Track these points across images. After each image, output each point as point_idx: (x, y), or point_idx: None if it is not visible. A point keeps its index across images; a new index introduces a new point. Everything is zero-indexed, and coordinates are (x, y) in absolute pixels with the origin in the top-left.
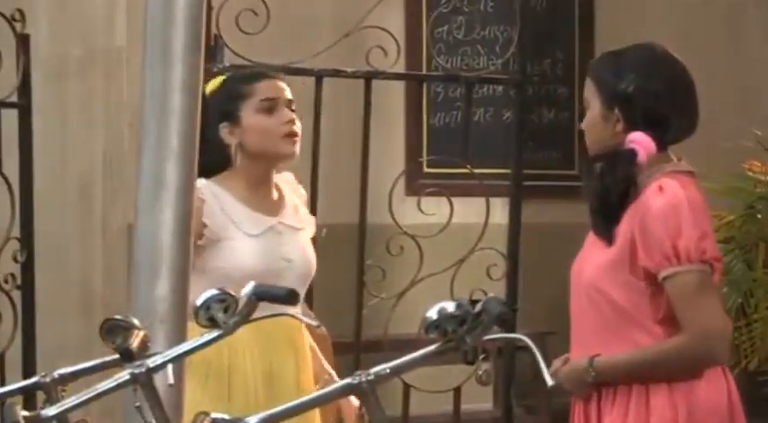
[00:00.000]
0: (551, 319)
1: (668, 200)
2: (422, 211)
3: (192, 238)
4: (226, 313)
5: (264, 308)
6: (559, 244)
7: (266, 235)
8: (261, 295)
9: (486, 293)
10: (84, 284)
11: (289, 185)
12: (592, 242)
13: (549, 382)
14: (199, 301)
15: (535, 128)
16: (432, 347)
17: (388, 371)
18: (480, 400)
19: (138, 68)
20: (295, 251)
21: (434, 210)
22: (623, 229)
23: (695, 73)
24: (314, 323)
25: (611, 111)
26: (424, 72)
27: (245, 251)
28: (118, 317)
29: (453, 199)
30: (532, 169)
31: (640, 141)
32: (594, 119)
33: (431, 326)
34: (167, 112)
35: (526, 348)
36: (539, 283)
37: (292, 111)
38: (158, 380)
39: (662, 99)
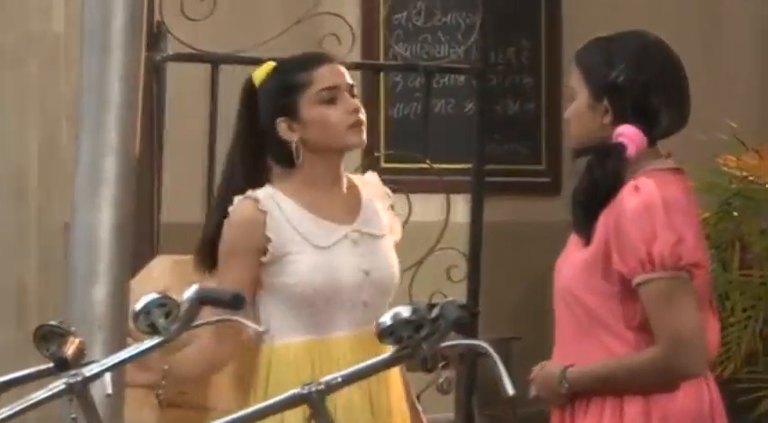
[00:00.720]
0: (515, 323)
1: (643, 201)
2: None
3: (251, 255)
4: (167, 319)
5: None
6: (524, 244)
7: (338, 246)
8: (204, 299)
9: (446, 296)
10: (18, 287)
11: (369, 187)
12: (573, 241)
13: (510, 391)
14: (138, 306)
15: (499, 120)
16: (386, 355)
17: (339, 380)
18: (441, 409)
19: (78, 56)
20: (372, 261)
21: None
22: (599, 229)
23: None
24: (261, 329)
25: (599, 101)
26: (381, 61)
27: (315, 266)
28: (53, 323)
29: (412, 196)
30: (496, 164)
31: (630, 135)
32: (581, 109)
33: (385, 332)
34: (106, 104)
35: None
36: (502, 286)
37: (354, 96)
38: (96, 390)
39: (653, 90)
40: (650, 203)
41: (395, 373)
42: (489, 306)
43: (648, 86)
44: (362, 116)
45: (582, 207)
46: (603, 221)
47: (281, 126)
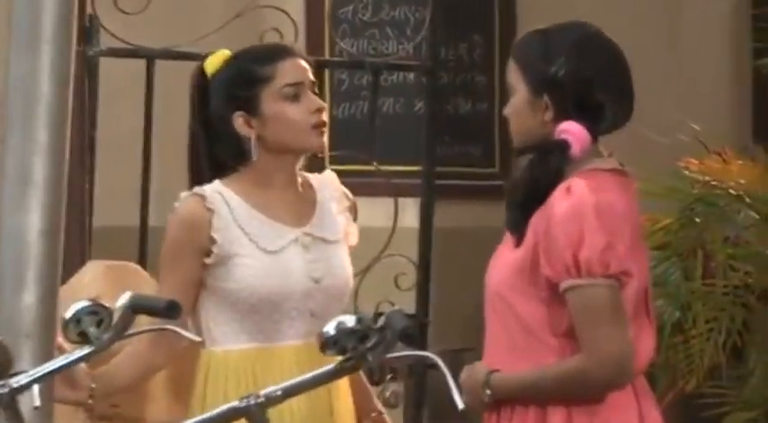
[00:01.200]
0: (467, 333)
1: (572, 203)
2: None
3: (195, 257)
4: (99, 328)
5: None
6: (477, 250)
7: (287, 250)
8: (137, 307)
9: (393, 305)
10: None
11: (326, 188)
12: (506, 240)
13: (461, 404)
14: (68, 314)
15: (450, 120)
16: (329, 366)
17: (279, 393)
18: None
19: (4, 52)
20: (323, 268)
21: None
22: (529, 232)
23: (628, 60)
24: (197, 339)
25: (538, 97)
26: (326, 57)
27: (261, 270)
28: None
29: (358, 199)
30: (447, 166)
31: (574, 132)
32: (520, 106)
33: (329, 342)
34: (35, 101)
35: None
36: (453, 294)
37: (316, 94)
38: (24, 402)
39: (596, 85)
40: (580, 206)
41: (343, 382)
42: (440, 316)
43: (591, 81)
44: (325, 117)
45: (518, 206)
46: (534, 223)
47: (238, 121)
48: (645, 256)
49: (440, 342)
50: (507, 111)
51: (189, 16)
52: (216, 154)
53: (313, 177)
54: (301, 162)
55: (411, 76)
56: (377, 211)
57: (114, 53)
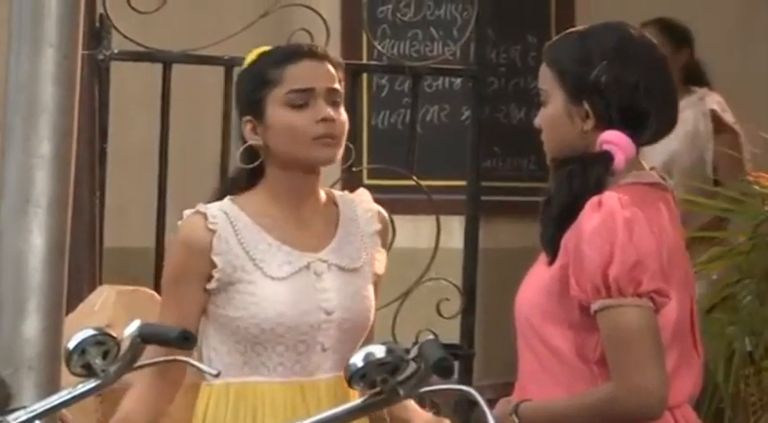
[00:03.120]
0: (516, 365)
1: (602, 218)
2: None
3: (195, 281)
4: (105, 359)
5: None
6: (527, 273)
7: (297, 277)
8: (147, 337)
9: (435, 335)
10: None
11: (354, 207)
12: (533, 269)
13: None
14: (71, 344)
15: (500, 130)
16: (357, 401)
17: None
18: None
19: (3, 56)
20: (337, 299)
21: None
22: (561, 251)
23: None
24: (212, 371)
25: (577, 105)
26: (364, 61)
27: (265, 299)
28: None
29: (397, 217)
30: (495, 181)
31: (618, 142)
32: (556, 115)
33: (356, 375)
34: (37, 110)
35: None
36: (501, 322)
37: (334, 103)
38: None
39: (641, 90)
40: (610, 221)
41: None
42: (486, 346)
43: (636, 86)
44: (335, 129)
45: (552, 221)
46: (565, 241)
47: (246, 126)
48: (689, 278)
49: (486, 375)
50: (540, 120)
51: (209, 16)
52: (239, 167)
53: (340, 196)
54: (320, 178)
55: (458, 81)
56: (418, 230)
57: (127, 57)
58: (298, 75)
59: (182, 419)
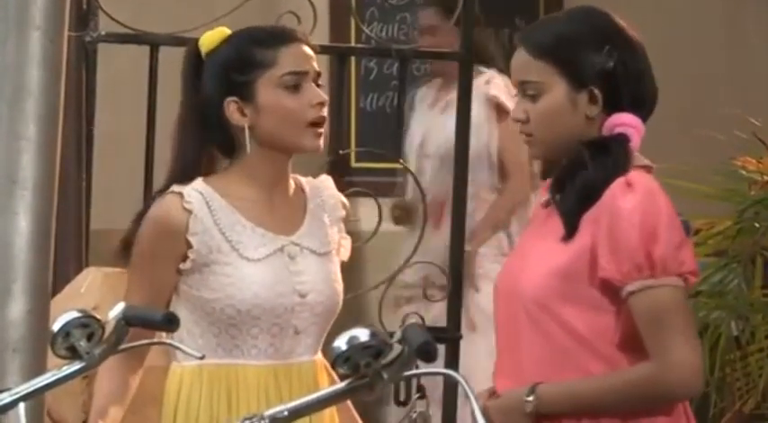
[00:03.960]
0: None
1: (643, 198)
2: None
3: (168, 262)
4: (90, 341)
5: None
6: None
7: (272, 259)
8: (132, 319)
9: (422, 318)
10: None
11: (320, 193)
12: (529, 247)
13: None
14: (56, 326)
15: None
16: (341, 384)
17: (285, 413)
18: None
19: None
20: (311, 282)
21: (361, 214)
22: (581, 234)
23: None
24: (196, 354)
25: (581, 91)
26: (352, 44)
27: (241, 281)
28: None
29: (384, 200)
30: None
31: (631, 123)
32: (557, 105)
33: (339, 358)
34: (22, 92)
35: None
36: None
37: (319, 85)
38: (9, 421)
39: (643, 71)
40: (651, 200)
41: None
42: None
43: (639, 67)
44: (325, 112)
45: (580, 202)
46: (589, 224)
47: (230, 107)
48: None
49: None
50: (532, 113)
51: None
52: (205, 145)
53: (306, 181)
54: (291, 163)
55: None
56: None
57: (114, 39)
58: (291, 57)
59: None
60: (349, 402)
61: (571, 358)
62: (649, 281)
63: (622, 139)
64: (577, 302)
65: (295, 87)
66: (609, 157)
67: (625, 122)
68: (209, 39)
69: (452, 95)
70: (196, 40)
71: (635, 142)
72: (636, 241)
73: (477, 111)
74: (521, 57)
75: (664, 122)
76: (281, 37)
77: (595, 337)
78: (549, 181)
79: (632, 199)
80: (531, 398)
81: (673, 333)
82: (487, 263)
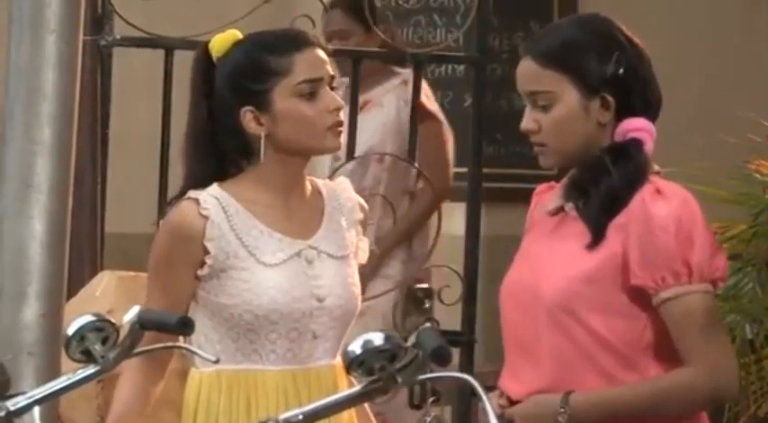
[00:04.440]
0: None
1: (677, 204)
2: None
3: (186, 268)
4: (104, 345)
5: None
6: None
7: (290, 264)
8: (147, 323)
9: (437, 322)
10: None
11: (337, 196)
12: (540, 252)
13: None
14: (71, 330)
15: (502, 117)
16: (355, 388)
17: (300, 417)
18: None
19: (4, 42)
20: (328, 286)
21: (374, 218)
22: (609, 240)
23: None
24: (212, 358)
25: (593, 99)
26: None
27: (258, 286)
28: None
29: None
30: (497, 168)
31: (644, 127)
32: (571, 114)
33: (354, 362)
34: (37, 95)
35: (489, 389)
36: None
37: (334, 88)
38: None
39: (652, 77)
40: (685, 208)
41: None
42: (487, 333)
43: (648, 72)
44: (343, 116)
45: (607, 209)
46: (616, 231)
47: (246, 116)
48: None
49: (488, 362)
50: (546, 123)
51: (211, 2)
52: (218, 151)
53: (323, 184)
54: (308, 168)
55: (460, 68)
56: None
57: (129, 43)
58: (306, 64)
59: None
60: (366, 405)
61: (595, 364)
62: (686, 287)
63: (639, 144)
64: (604, 308)
65: (311, 94)
66: (630, 163)
67: (639, 127)
68: (220, 42)
69: (369, 95)
70: (206, 43)
71: (649, 146)
72: (673, 248)
73: (397, 113)
74: (528, 67)
75: (677, 125)
76: (294, 42)
77: (622, 343)
78: (543, 187)
79: (665, 206)
80: (564, 408)
81: (709, 339)
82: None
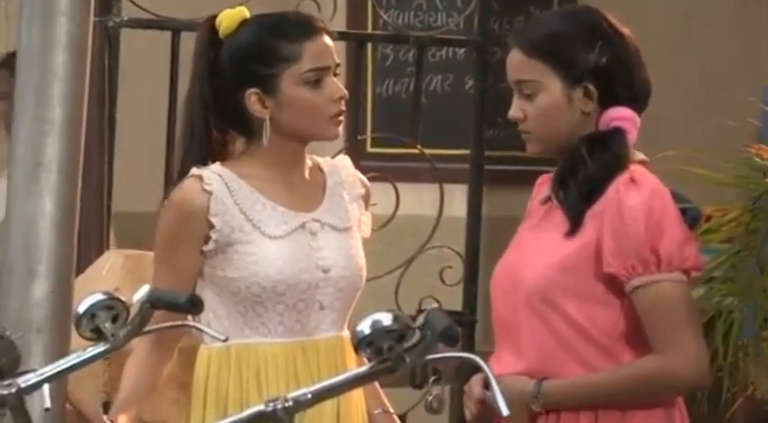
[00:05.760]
0: None
1: (648, 193)
2: None
3: (192, 244)
4: (115, 323)
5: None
6: None
7: (294, 236)
8: (156, 302)
9: (438, 302)
10: None
11: (338, 172)
12: (527, 241)
13: (505, 411)
14: (81, 308)
15: (503, 100)
16: (363, 368)
17: (309, 396)
18: None
19: (15, 24)
20: (332, 257)
21: (378, 198)
22: (585, 228)
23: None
24: (220, 337)
25: (576, 88)
26: (369, 31)
27: (264, 258)
28: None
29: (401, 185)
30: (498, 150)
31: (627, 116)
32: (554, 103)
33: (362, 342)
34: (48, 76)
35: None
36: None
37: (337, 75)
38: (34, 402)
39: (638, 66)
40: (656, 196)
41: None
42: (488, 313)
43: (631, 61)
44: (344, 106)
45: (584, 197)
46: (593, 218)
47: (251, 98)
48: None
49: (488, 343)
50: (533, 112)
51: None
52: (220, 128)
53: (324, 161)
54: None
55: (461, 51)
56: (421, 198)
57: (137, 24)
58: (314, 52)
59: (187, 382)
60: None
61: (573, 351)
62: (655, 275)
63: (620, 133)
64: (581, 296)
65: (316, 82)
66: (608, 152)
67: (621, 116)
68: (228, 19)
69: None
70: (212, 18)
71: (632, 135)
72: (642, 237)
73: None
74: (515, 56)
75: (677, 110)
76: (305, 29)
77: (598, 330)
78: (545, 177)
79: (637, 195)
80: (537, 396)
81: (678, 327)
82: None
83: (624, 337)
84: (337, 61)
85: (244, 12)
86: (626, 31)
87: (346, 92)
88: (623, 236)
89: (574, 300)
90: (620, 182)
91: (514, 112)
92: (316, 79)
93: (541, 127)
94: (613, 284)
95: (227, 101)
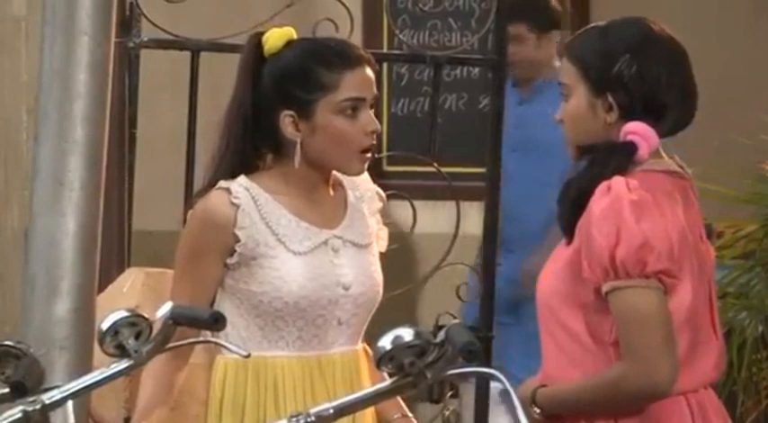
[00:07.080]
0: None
1: (610, 201)
2: None
3: (216, 256)
4: (138, 340)
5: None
6: None
7: (316, 253)
8: (179, 318)
9: (454, 318)
10: None
11: (357, 188)
12: (557, 249)
13: None
14: (105, 325)
15: None
16: (385, 383)
17: (331, 411)
18: None
19: (38, 43)
20: (353, 274)
21: (394, 216)
22: (576, 239)
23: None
24: (243, 352)
25: (600, 98)
26: (384, 50)
27: (288, 273)
28: (8, 342)
29: (418, 203)
30: None
31: (642, 133)
32: (579, 109)
33: (384, 358)
34: (70, 96)
35: None
36: None
37: (372, 106)
38: (57, 419)
39: (663, 84)
40: (617, 204)
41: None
42: None
43: (658, 78)
44: (375, 140)
45: (572, 206)
46: (579, 227)
47: (285, 120)
48: (706, 264)
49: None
50: (563, 114)
51: (236, 5)
52: (252, 142)
53: (342, 176)
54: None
55: (475, 70)
56: (437, 216)
57: (156, 45)
58: (353, 83)
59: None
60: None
61: (574, 358)
62: (616, 282)
63: (628, 148)
64: (576, 304)
65: (352, 112)
66: (605, 164)
67: (634, 130)
68: (274, 38)
69: None
70: (259, 35)
71: (643, 151)
72: (601, 244)
73: None
74: (564, 60)
75: (690, 126)
76: (347, 60)
77: (590, 337)
78: None
79: (602, 203)
80: (534, 407)
81: (641, 335)
82: None
83: (615, 345)
84: (376, 93)
85: (291, 32)
86: (674, 48)
87: (379, 126)
88: (590, 243)
89: (569, 308)
90: (597, 190)
91: (558, 114)
92: (351, 109)
93: (571, 131)
94: (598, 291)
95: (262, 118)
